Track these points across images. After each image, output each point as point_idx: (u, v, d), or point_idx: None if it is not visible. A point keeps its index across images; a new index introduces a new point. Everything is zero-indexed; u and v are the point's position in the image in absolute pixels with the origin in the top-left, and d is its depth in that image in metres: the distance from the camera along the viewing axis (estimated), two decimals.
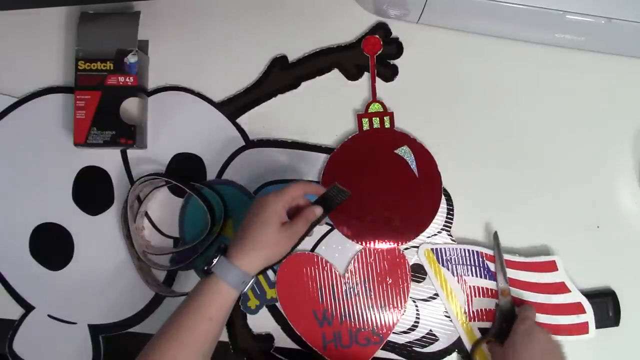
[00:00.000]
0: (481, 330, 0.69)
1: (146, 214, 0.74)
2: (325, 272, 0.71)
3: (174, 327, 0.57)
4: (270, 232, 0.59)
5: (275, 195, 0.61)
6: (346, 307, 0.70)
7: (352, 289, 0.70)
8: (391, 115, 0.70)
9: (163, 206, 0.74)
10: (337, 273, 0.71)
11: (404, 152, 0.68)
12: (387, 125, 0.70)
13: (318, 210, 0.63)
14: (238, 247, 0.59)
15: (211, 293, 0.58)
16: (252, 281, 0.60)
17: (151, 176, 0.71)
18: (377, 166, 0.70)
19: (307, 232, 0.63)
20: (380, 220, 0.70)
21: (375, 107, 0.70)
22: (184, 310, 0.58)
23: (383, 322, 0.70)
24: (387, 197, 0.70)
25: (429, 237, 0.70)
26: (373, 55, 0.70)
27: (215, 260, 0.59)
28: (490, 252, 0.69)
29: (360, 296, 0.70)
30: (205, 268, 0.59)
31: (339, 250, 0.71)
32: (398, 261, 0.70)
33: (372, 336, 0.70)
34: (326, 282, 0.71)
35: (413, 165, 0.69)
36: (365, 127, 0.70)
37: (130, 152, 0.75)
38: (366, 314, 0.70)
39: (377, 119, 0.69)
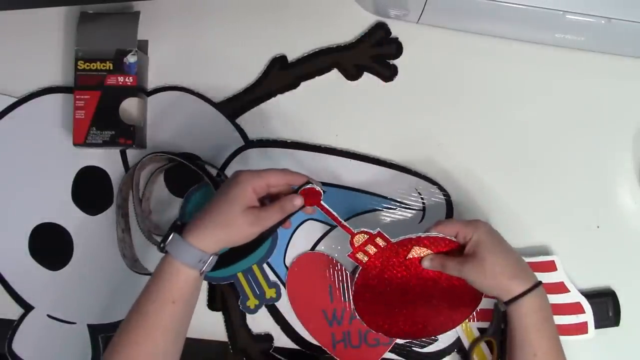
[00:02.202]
0: (480, 330, 0.69)
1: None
2: (336, 272, 0.71)
3: (138, 313, 0.55)
4: (231, 213, 0.55)
5: (249, 175, 0.56)
6: None
7: None
8: (378, 234, 0.60)
9: (162, 206, 0.75)
10: (347, 272, 0.71)
11: (418, 252, 0.62)
12: (381, 244, 0.61)
13: (297, 201, 0.57)
14: (195, 224, 0.55)
15: (169, 274, 0.55)
16: (210, 259, 0.56)
17: (159, 153, 0.70)
18: (401, 279, 0.63)
19: (279, 224, 0.58)
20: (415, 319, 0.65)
21: (361, 239, 0.61)
22: (146, 294, 0.55)
23: None
24: (421, 298, 0.64)
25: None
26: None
27: (169, 238, 0.55)
28: None
29: None
30: (160, 245, 0.56)
31: (338, 250, 0.71)
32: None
33: (381, 337, 0.70)
34: (336, 282, 0.71)
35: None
36: (364, 258, 0.61)
37: (130, 152, 0.75)
38: None
39: (370, 245, 0.61)
